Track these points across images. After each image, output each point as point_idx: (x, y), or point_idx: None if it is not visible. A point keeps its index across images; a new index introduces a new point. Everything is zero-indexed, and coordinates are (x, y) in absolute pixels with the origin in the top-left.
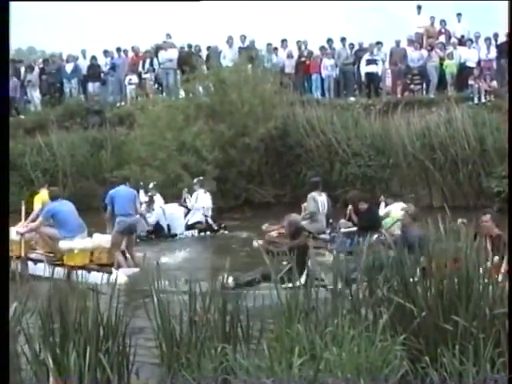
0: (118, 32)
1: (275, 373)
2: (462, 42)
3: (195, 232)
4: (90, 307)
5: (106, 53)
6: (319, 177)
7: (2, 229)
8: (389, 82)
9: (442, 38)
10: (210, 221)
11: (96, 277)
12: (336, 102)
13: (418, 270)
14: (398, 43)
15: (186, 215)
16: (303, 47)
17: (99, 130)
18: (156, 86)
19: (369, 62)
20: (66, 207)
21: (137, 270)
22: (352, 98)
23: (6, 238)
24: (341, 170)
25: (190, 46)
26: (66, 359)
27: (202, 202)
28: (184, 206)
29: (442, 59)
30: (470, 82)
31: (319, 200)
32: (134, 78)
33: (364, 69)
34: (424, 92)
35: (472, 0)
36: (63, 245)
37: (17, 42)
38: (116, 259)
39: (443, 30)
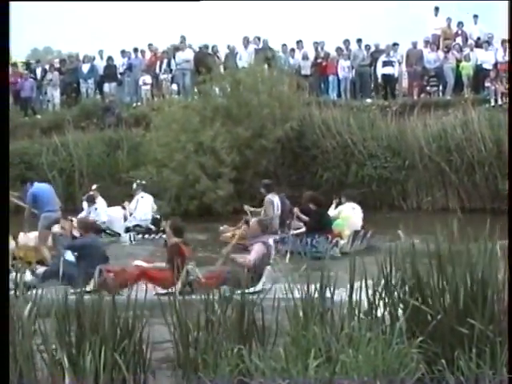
0: (134, 32)
1: (291, 375)
2: (478, 43)
3: (132, 235)
4: (106, 308)
5: (123, 53)
6: (271, 179)
7: (2, 229)
8: (405, 83)
9: (459, 40)
10: (149, 225)
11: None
12: (352, 103)
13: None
14: (414, 45)
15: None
16: (319, 48)
17: (115, 131)
18: (172, 86)
19: (385, 64)
20: None
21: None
22: (368, 100)
23: (6, 238)
24: (357, 172)
25: (206, 47)
26: (81, 359)
27: (140, 205)
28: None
29: (458, 61)
30: (487, 84)
31: (275, 202)
32: (148, 79)
33: (380, 70)
34: (440, 94)
35: (487, 0)
36: None
37: (33, 42)
38: (44, 255)
39: (460, 32)
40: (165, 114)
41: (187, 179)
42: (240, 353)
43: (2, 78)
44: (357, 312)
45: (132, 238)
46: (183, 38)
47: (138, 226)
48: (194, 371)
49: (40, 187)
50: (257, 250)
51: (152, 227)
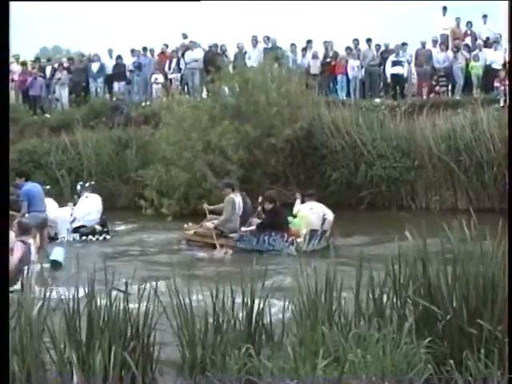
0: (142, 32)
1: (299, 374)
2: (487, 43)
3: (77, 236)
4: (116, 307)
5: (132, 52)
6: (232, 179)
7: (2, 229)
8: (414, 83)
9: (468, 40)
10: (95, 225)
11: None
12: (361, 103)
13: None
14: (423, 44)
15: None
16: (329, 48)
17: (124, 130)
18: (181, 85)
19: (394, 64)
20: None
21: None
22: (377, 100)
23: (6, 238)
24: (366, 172)
25: (215, 46)
26: (90, 358)
27: (82, 206)
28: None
29: (467, 61)
30: (496, 84)
31: (236, 201)
32: (160, 78)
33: (390, 70)
34: (450, 94)
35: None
36: None
37: (42, 41)
38: None
39: (469, 32)
40: (174, 113)
41: (195, 177)
42: (248, 352)
43: (2, 77)
44: (364, 312)
45: (71, 239)
46: (185, 36)
47: (83, 226)
48: (201, 370)
49: (34, 186)
50: (17, 249)
51: (98, 228)
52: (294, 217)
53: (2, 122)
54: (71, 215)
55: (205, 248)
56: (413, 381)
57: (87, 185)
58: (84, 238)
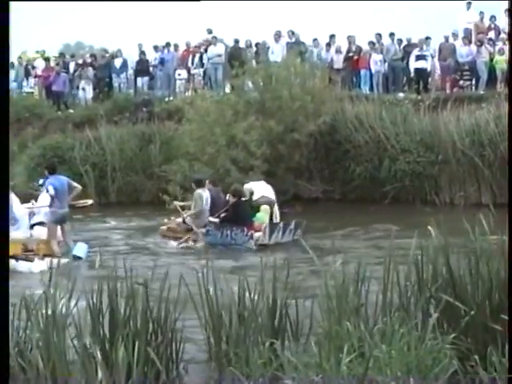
0: (165, 27)
1: (324, 370)
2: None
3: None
4: (139, 301)
5: (155, 49)
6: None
7: (1, 228)
8: (438, 77)
9: (492, 34)
10: None
11: (23, 265)
12: (385, 97)
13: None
14: (446, 38)
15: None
16: (352, 42)
17: (148, 125)
18: (204, 80)
19: (418, 58)
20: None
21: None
22: (401, 94)
23: (6, 236)
24: (389, 166)
25: (237, 42)
26: (114, 353)
27: (42, 202)
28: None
29: (491, 55)
30: None
31: (204, 196)
32: (184, 73)
33: (413, 64)
34: (473, 88)
35: None
36: None
37: (65, 37)
38: (53, 249)
39: (493, 26)
40: (198, 108)
41: (218, 173)
42: (273, 347)
43: (2, 76)
44: (389, 307)
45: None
46: (210, 31)
47: (41, 223)
48: (226, 365)
49: (59, 181)
50: None
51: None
52: (257, 211)
53: (2, 122)
54: (31, 211)
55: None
56: (438, 377)
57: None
58: None
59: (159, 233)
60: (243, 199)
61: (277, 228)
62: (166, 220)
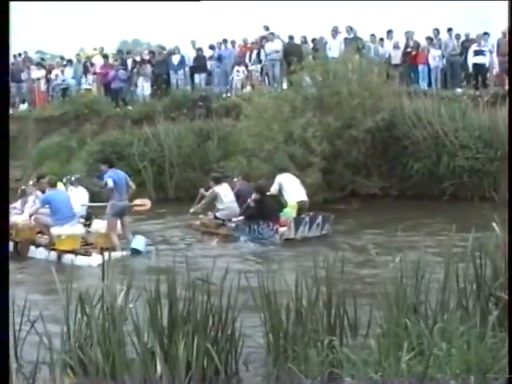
0: (221, 24)
1: (383, 368)
2: None
3: None
4: (199, 296)
5: (212, 47)
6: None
7: (1, 219)
8: (496, 73)
9: None
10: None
11: (82, 260)
12: (443, 93)
13: None
14: (504, 34)
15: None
16: (410, 38)
17: (205, 121)
18: (261, 77)
19: (476, 53)
20: (61, 196)
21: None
22: (459, 90)
23: (6, 234)
24: (448, 163)
25: (291, 38)
26: (174, 348)
27: (76, 198)
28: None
29: None
30: None
31: (221, 193)
32: (242, 69)
33: (472, 60)
34: None
35: None
36: (53, 231)
37: (122, 34)
38: (113, 243)
39: None
40: (255, 104)
41: (276, 169)
42: (331, 344)
43: (2, 76)
44: (448, 305)
45: None
46: (266, 28)
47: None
48: (284, 362)
49: (117, 174)
50: None
51: (81, 221)
52: (285, 206)
53: (2, 122)
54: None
55: (207, 235)
56: (498, 375)
57: (73, 178)
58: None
59: (192, 227)
60: (267, 194)
61: (302, 222)
62: (201, 216)
